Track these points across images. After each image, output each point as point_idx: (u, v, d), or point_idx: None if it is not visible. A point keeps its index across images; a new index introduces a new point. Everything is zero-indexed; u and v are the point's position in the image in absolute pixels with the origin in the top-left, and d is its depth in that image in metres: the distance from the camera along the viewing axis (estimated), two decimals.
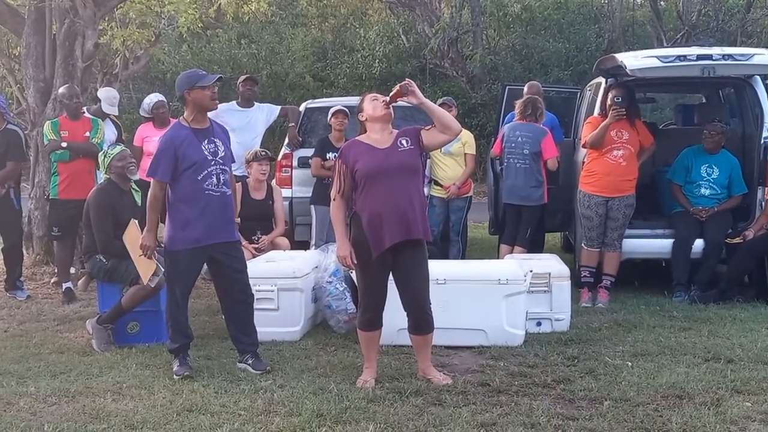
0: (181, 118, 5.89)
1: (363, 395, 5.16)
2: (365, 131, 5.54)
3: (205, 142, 5.74)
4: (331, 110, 8.98)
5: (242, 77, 9.62)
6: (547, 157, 8.36)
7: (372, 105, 5.48)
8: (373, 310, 5.52)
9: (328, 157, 8.69)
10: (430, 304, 5.51)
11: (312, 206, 8.90)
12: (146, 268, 6.11)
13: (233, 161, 6.06)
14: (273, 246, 8.07)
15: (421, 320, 5.51)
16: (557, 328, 6.77)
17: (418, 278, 5.47)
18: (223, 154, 5.81)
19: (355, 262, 5.43)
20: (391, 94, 5.42)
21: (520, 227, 8.51)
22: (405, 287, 5.48)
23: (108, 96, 9.17)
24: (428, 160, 8.60)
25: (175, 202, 5.72)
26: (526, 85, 9.57)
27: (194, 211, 5.69)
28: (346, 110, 8.86)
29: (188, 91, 5.72)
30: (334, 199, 5.49)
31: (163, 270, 5.81)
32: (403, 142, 5.42)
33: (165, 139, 5.77)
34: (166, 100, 9.47)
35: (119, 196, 6.91)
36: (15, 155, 8.51)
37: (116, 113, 9.28)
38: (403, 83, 5.37)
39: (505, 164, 8.56)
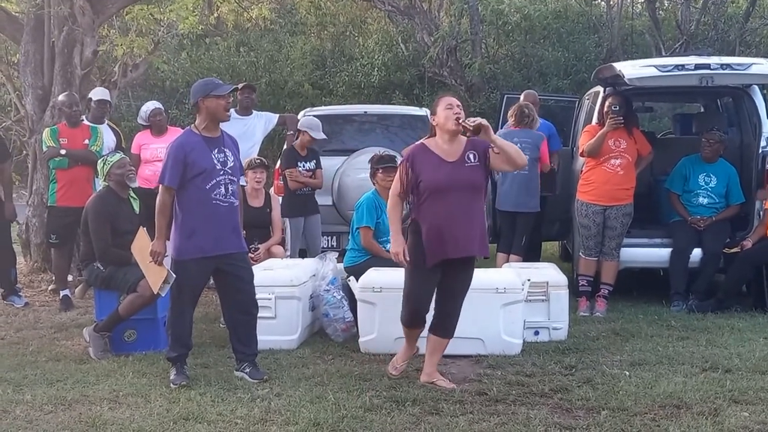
0: (192, 126, 5.86)
1: (360, 404, 5.16)
2: (434, 134, 5.56)
3: (215, 151, 5.72)
4: (301, 124, 8.85)
5: (240, 85, 9.61)
6: (544, 162, 8.38)
7: (444, 114, 5.45)
8: (416, 311, 5.61)
9: (299, 167, 8.66)
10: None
11: (286, 219, 8.80)
12: (156, 276, 6.06)
13: (242, 173, 6.04)
14: (269, 254, 8.06)
15: (448, 324, 5.67)
16: (555, 337, 6.76)
17: (461, 290, 5.66)
18: (232, 164, 5.79)
19: (408, 259, 5.52)
20: (465, 124, 5.37)
21: (516, 235, 8.50)
22: (446, 294, 5.64)
23: (96, 92, 9.16)
24: None
25: (181, 211, 5.70)
26: (523, 94, 9.57)
27: (201, 220, 5.68)
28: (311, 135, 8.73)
29: (203, 99, 5.70)
30: (396, 196, 5.58)
31: (174, 277, 5.78)
32: (471, 156, 5.47)
33: (175, 145, 5.74)
34: (162, 108, 9.45)
35: (118, 203, 6.90)
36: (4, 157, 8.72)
37: (108, 97, 9.22)
38: (480, 123, 5.34)
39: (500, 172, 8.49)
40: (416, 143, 5.75)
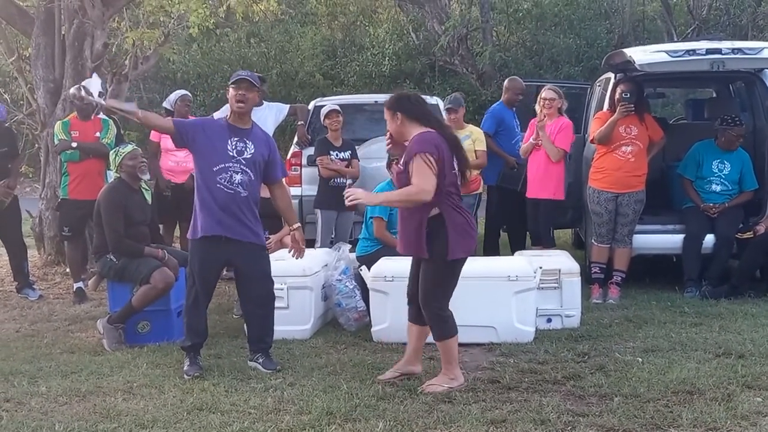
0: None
1: (373, 393, 5.17)
2: None
3: (236, 139, 5.75)
4: (323, 111, 8.85)
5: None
6: None
7: None
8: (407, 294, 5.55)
9: (331, 156, 8.64)
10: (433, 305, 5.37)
11: (318, 210, 8.79)
12: None
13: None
14: (281, 245, 8.05)
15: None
16: (567, 325, 6.76)
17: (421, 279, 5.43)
18: (250, 156, 5.76)
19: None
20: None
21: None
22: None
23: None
24: None
25: (196, 189, 5.81)
26: (507, 80, 9.50)
27: (203, 201, 5.73)
28: (338, 108, 8.79)
29: (227, 88, 5.86)
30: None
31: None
32: (402, 164, 5.36)
33: (204, 118, 5.90)
34: (191, 98, 9.53)
35: (130, 194, 6.91)
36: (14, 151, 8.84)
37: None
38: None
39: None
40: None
